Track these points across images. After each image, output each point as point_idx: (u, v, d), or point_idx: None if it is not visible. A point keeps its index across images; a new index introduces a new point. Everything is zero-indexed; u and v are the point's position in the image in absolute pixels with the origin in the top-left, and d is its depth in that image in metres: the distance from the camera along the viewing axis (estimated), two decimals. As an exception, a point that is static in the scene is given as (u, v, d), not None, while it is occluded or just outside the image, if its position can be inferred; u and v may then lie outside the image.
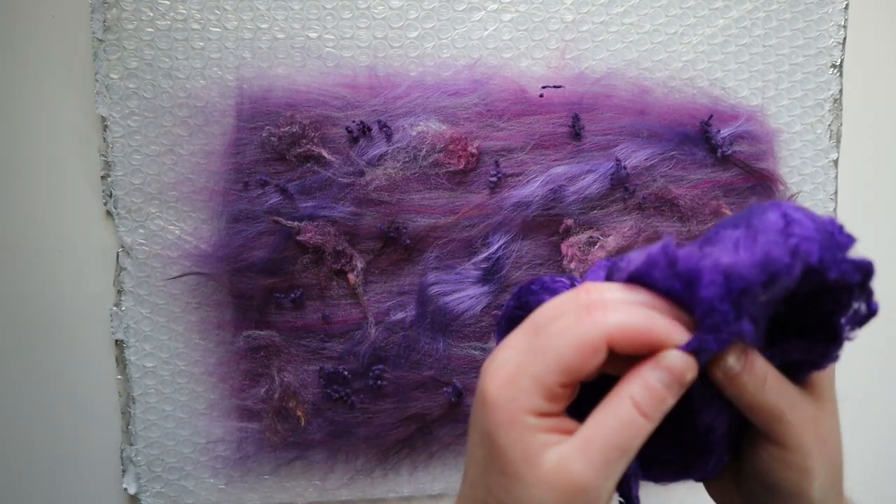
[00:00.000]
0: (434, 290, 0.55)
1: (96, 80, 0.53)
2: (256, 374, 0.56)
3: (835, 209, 0.61)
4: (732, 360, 0.28)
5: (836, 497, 0.31)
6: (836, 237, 0.25)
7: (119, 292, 0.56)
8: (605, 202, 0.57)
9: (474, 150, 0.55)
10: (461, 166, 0.55)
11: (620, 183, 0.57)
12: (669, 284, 0.25)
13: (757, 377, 0.28)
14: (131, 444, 0.57)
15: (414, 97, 0.55)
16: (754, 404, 0.28)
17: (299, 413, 0.56)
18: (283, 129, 0.54)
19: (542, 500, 0.26)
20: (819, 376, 0.30)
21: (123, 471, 0.57)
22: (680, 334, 0.26)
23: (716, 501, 0.35)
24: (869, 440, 0.65)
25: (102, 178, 0.55)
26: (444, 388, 0.56)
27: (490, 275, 0.56)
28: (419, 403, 0.57)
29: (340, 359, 0.56)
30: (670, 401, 0.27)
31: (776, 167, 0.59)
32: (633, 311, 0.27)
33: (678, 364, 0.26)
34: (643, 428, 0.26)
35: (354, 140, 0.55)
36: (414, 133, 0.54)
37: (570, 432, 0.27)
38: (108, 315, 0.56)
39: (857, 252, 0.26)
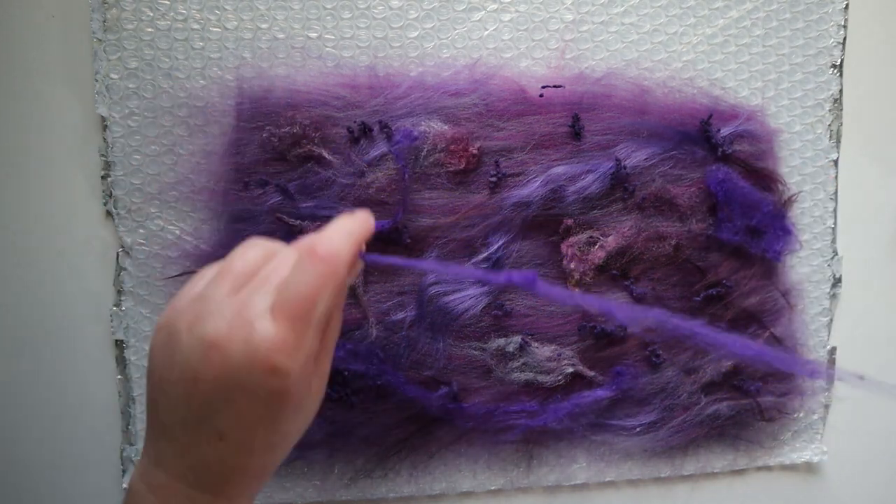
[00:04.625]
0: (434, 290, 0.55)
1: (96, 80, 0.53)
2: (256, 374, 0.56)
3: (835, 209, 0.61)
4: None
5: None
6: None
7: (119, 292, 0.56)
8: (605, 202, 0.57)
9: (475, 151, 0.55)
10: (462, 166, 0.55)
11: (620, 183, 0.57)
12: None
13: None
14: (131, 444, 0.57)
15: (414, 97, 0.55)
16: None
17: (299, 413, 0.56)
18: (283, 130, 0.54)
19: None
20: None
21: (123, 471, 0.57)
22: None
23: None
24: (871, 440, 0.65)
25: (102, 178, 0.55)
26: (444, 388, 0.56)
27: (490, 275, 0.56)
28: (419, 403, 0.57)
29: (340, 359, 0.56)
30: None
31: (776, 167, 0.59)
32: None
33: None
34: None
35: (355, 140, 0.55)
36: (415, 133, 0.54)
37: None
38: (108, 315, 0.56)
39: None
